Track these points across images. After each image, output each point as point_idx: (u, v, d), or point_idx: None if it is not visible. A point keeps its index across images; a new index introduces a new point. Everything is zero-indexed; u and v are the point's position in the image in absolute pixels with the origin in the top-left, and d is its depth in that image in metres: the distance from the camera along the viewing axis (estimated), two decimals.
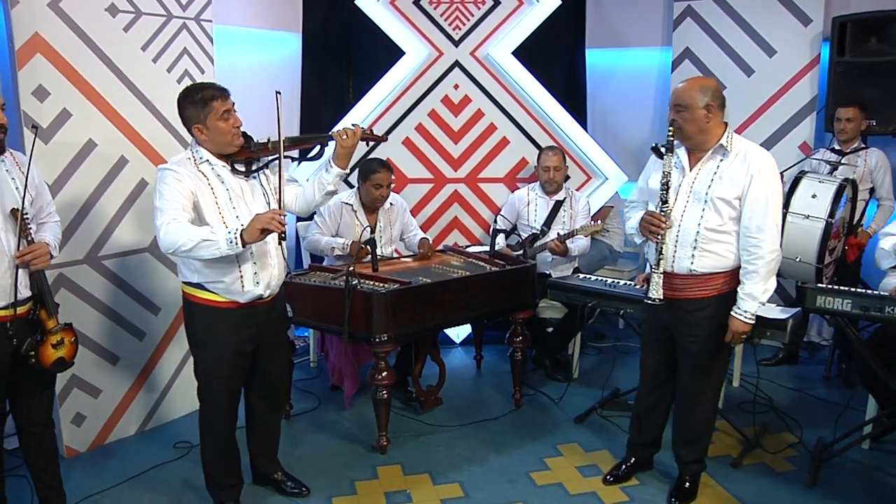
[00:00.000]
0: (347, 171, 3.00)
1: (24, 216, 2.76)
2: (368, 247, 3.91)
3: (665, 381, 3.37)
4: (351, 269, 3.55)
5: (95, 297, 3.73)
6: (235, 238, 2.64)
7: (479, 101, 5.19)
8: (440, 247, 4.95)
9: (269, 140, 2.89)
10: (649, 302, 3.02)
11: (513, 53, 5.15)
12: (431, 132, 5.22)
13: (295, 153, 3.07)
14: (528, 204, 4.92)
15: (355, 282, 3.53)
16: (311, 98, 5.46)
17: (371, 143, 3.01)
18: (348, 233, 4.43)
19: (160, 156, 3.81)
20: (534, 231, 4.83)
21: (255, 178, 2.97)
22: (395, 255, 4.58)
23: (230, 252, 2.69)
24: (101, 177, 3.68)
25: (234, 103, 2.84)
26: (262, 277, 2.95)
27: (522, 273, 4.16)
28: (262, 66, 5.26)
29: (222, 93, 2.81)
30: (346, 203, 4.46)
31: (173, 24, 3.92)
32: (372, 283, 3.70)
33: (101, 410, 3.84)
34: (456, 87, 5.19)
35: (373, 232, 4.28)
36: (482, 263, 4.25)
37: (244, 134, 2.90)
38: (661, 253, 3.00)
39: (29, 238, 2.77)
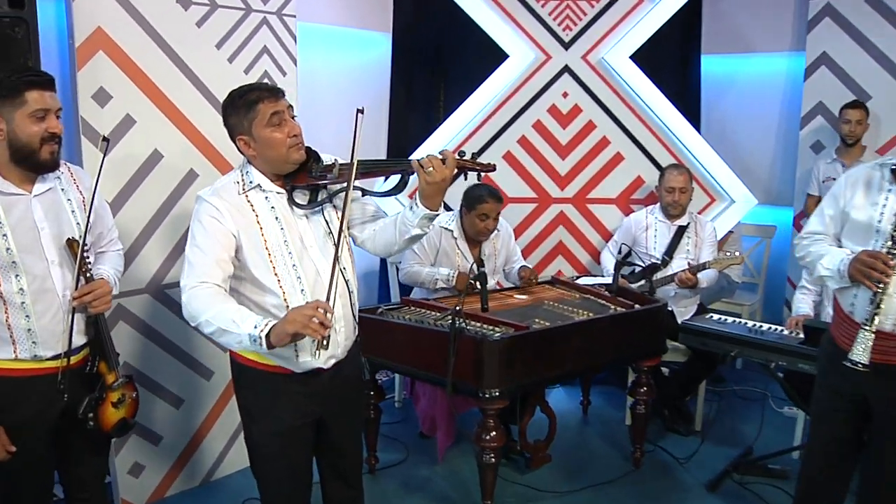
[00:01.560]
0: (438, 212, 2.27)
1: (84, 248, 2.29)
2: (478, 283, 3.33)
3: (846, 456, 2.70)
4: (458, 308, 2.98)
5: (158, 331, 3.32)
6: (261, 338, 2.00)
7: (590, 112, 4.66)
8: (543, 276, 4.33)
9: (335, 162, 2.25)
10: (850, 366, 2.36)
11: (630, 58, 4.61)
12: (536, 146, 4.70)
13: (372, 182, 2.39)
14: (647, 229, 4.34)
15: (462, 323, 2.95)
16: (400, 106, 5.01)
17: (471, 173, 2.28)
18: (447, 263, 3.91)
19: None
20: (654, 261, 4.23)
21: (318, 212, 2.31)
22: (498, 286, 4.02)
23: (254, 350, 2.09)
24: (168, 193, 3.28)
25: (290, 106, 2.23)
26: None
27: (653, 314, 3.56)
28: (347, 70, 4.76)
29: (272, 93, 2.19)
30: (447, 229, 3.93)
31: (253, 19, 3.46)
32: (480, 324, 3.14)
33: (161, 460, 3.42)
34: (565, 95, 4.67)
35: (480, 265, 3.72)
36: (603, 301, 3.66)
37: (308, 149, 2.27)
38: (878, 306, 2.33)
39: (88, 274, 2.30)
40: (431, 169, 2.13)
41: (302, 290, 2.21)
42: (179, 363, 3.41)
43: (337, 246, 2.16)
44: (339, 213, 2.27)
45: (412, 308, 3.51)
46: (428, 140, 4.69)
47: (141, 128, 3.12)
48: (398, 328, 3.30)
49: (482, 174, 2.21)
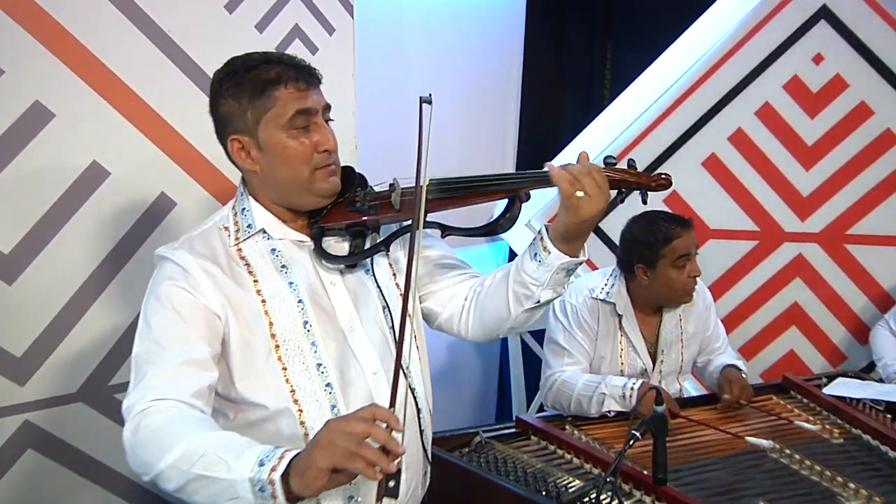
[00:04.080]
0: (583, 258, 1.50)
1: None
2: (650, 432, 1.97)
3: None
4: (614, 471, 1.73)
5: (104, 463, 2.29)
6: (273, 483, 1.20)
7: (861, 87, 3.29)
8: (762, 361, 3.30)
9: (394, 184, 1.52)
10: None
11: None
12: (761, 146, 3.41)
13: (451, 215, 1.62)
14: None
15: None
16: (540, 79, 3.86)
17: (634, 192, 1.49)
18: (604, 363, 2.55)
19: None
20: None
21: (364, 269, 1.59)
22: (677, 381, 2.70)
23: None
24: (121, 234, 2.26)
25: (327, 106, 1.50)
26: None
27: None
28: (446, 24, 3.50)
29: (304, 75, 1.45)
30: (605, 301, 2.53)
31: None
32: (651, 501, 1.93)
33: None
34: (817, 59, 3.27)
35: (655, 358, 2.46)
36: (884, 447, 2.16)
37: (347, 171, 1.56)
38: None
39: None
40: (584, 193, 1.40)
41: (333, 405, 1.51)
42: None
43: (406, 299, 1.38)
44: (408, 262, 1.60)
45: (534, 440, 2.28)
46: (585, 131, 3.60)
47: (65, 125, 2.13)
48: (500, 493, 2.04)
49: (647, 194, 1.48)
